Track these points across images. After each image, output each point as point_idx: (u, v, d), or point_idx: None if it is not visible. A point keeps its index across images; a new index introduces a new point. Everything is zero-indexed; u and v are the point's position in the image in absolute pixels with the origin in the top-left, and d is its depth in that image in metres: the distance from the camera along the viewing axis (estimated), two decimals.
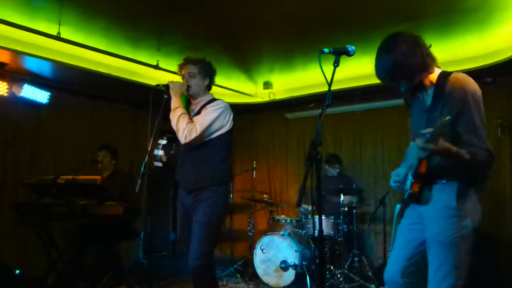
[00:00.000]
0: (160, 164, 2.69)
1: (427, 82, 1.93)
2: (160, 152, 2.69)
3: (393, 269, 2.03)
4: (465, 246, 1.80)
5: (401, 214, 2.14)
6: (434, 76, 1.92)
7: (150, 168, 2.50)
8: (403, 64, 1.80)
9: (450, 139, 1.73)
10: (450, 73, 1.91)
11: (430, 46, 1.90)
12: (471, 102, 1.79)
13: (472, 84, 1.85)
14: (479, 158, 1.75)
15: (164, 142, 2.73)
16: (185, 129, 2.59)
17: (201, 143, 2.67)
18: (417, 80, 1.88)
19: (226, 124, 2.72)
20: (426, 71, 1.87)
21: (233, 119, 2.79)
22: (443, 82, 1.87)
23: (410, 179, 1.97)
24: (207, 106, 2.71)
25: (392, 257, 2.10)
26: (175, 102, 2.69)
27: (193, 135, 2.58)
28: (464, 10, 3.47)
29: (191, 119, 2.68)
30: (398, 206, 2.18)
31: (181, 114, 2.64)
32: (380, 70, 1.89)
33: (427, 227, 1.91)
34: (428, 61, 1.85)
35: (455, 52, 4.39)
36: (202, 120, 2.63)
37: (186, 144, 2.61)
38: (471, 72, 4.70)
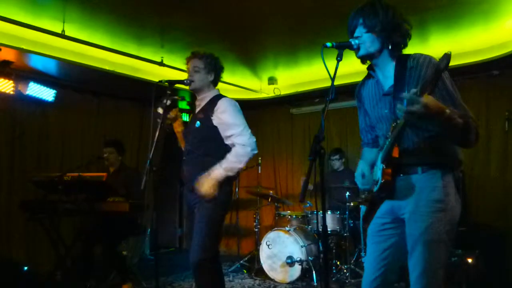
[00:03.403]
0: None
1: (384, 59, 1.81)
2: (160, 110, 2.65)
3: (367, 281, 1.85)
4: (450, 242, 1.66)
5: (366, 217, 1.91)
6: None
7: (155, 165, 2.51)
8: (386, 14, 1.75)
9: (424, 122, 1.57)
10: (408, 54, 1.81)
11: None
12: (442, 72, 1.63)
13: (434, 57, 1.71)
14: (471, 124, 1.55)
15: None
16: (243, 158, 2.57)
17: (204, 141, 2.67)
18: (384, 43, 1.77)
19: None
20: (395, 35, 1.76)
21: None
22: (404, 60, 1.77)
23: (379, 168, 1.75)
24: (223, 112, 2.65)
25: (366, 268, 1.91)
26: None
27: (253, 151, 2.59)
28: (470, 2, 3.43)
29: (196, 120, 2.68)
30: (363, 208, 1.96)
31: (225, 170, 2.56)
32: (360, 10, 1.81)
33: (410, 225, 1.70)
34: (406, 31, 1.78)
35: (461, 45, 4.35)
36: (238, 130, 2.61)
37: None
38: (478, 65, 4.70)
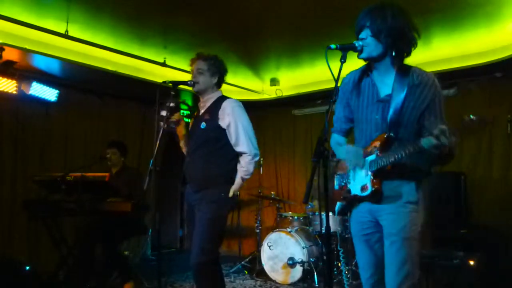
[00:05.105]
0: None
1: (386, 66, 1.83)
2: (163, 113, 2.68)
3: (365, 278, 1.97)
4: (422, 240, 1.78)
5: (342, 212, 2.03)
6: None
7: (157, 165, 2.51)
8: (396, 20, 1.74)
9: (415, 132, 1.78)
10: (409, 65, 1.84)
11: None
12: (440, 95, 1.77)
13: (434, 75, 1.82)
14: (452, 144, 1.60)
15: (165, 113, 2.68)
16: (250, 166, 2.70)
17: (208, 142, 2.68)
18: (388, 48, 1.78)
19: None
20: (400, 42, 1.77)
21: None
22: (405, 71, 1.80)
23: (366, 175, 1.85)
24: (229, 115, 2.68)
25: (360, 267, 2.03)
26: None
27: (255, 158, 2.72)
28: (473, 4, 3.43)
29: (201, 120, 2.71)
30: (338, 204, 2.04)
31: (242, 179, 2.72)
32: (370, 12, 1.80)
33: (388, 224, 1.81)
34: (412, 40, 1.79)
35: (464, 47, 4.35)
36: (245, 137, 2.70)
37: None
38: (480, 67, 4.69)
